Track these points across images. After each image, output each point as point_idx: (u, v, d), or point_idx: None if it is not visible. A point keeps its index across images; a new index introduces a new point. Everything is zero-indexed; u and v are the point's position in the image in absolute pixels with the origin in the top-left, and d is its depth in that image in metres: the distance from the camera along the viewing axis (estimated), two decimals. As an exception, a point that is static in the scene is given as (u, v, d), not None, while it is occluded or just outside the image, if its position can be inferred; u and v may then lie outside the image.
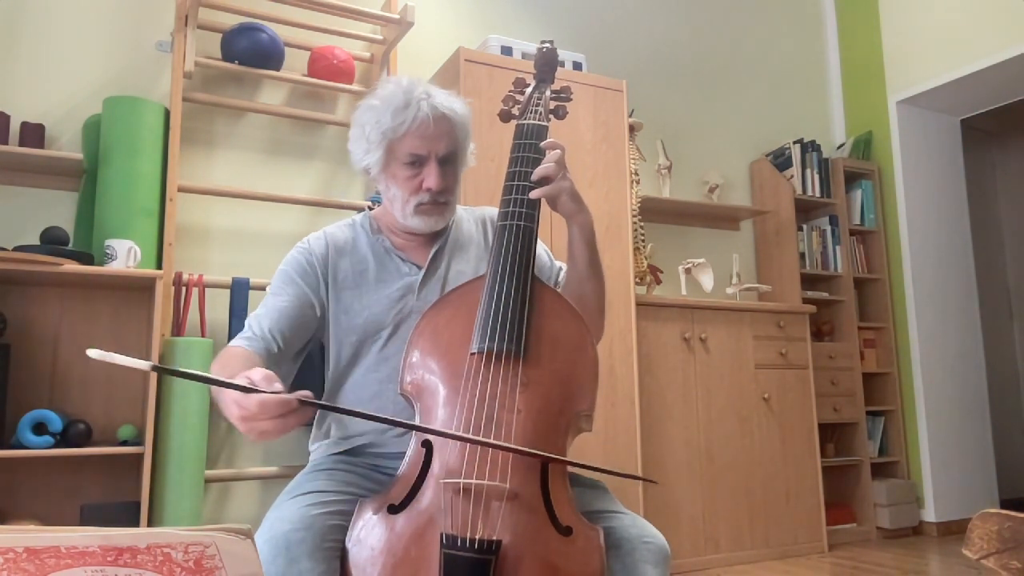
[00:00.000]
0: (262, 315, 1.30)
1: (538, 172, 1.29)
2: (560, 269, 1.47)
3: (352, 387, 1.32)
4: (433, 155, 1.31)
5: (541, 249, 1.43)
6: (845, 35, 4.44)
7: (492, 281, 1.19)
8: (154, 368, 0.86)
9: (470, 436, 1.04)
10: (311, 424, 1.43)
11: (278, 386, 0.97)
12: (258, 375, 0.98)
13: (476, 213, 1.50)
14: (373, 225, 1.42)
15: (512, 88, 1.50)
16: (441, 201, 1.34)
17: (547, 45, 1.52)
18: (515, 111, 1.46)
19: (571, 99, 1.50)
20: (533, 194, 1.28)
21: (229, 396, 0.97)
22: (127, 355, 0.84)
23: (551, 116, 1.46)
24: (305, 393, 0.97)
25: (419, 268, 1.36)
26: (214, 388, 1.05)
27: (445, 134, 1.31)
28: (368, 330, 1.31)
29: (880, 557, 3.29)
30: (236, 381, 0.95)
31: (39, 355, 2.41)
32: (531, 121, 1.39)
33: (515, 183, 1.31)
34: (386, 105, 1.30)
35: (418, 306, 1.32)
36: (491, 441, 1.05)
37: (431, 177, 1.31)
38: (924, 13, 4.00)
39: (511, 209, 1.28)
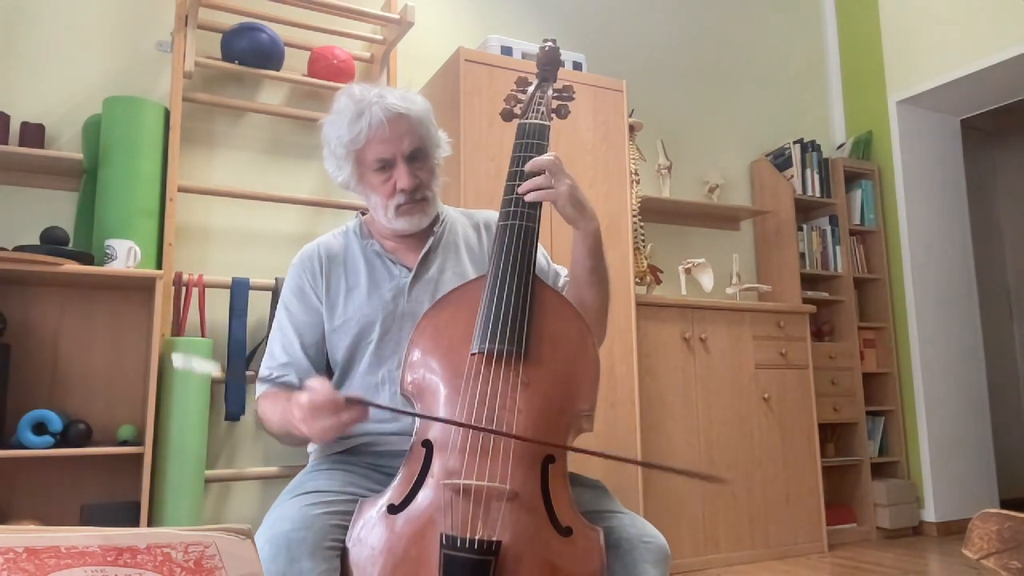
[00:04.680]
0: (280, 349, 1.34)
1: (529, 166, 1.27)
2: (558, 274, 1.46)
3: (351, 391, 1.32)
4: (399, 155, 1.31)
5: (540, 253, 1.42)
6: (845, 35, 4.44)
7: (493, 281, 1.19)
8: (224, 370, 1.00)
9: (503, 431, 1.06)
10: None
11: (324, 387, 1.09)
12: (314, 382, 1.10)
13: (474, 217, 1.50)
14: (364, 230, 1.43)
15: (514, 87, 1.50)
16: (419, 198, 1.34)
17: (549, 44, 1.51)
18: (517, 110, 1.45)
19: (573, 98, 1.49)
20: (527, 197, 1.26)
21: (293, 404, 1.10)
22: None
23: (553, 115, 1.45)
24: (353, 395, 1.10)
25: (409, 270, 1.37)
26: (282, 411, 1.20)
27: (406, 132, 1.31)
28: (360, 334, 1.32)
29: (880, 557, 3.29)
30: (284, 380, 1.24)
31: (39, 355, 2.41)
32: (533, 120, 1.39)
33: (517, 183, 1.30)
34: (341, 118, 1.31)
35: (409, 308, 1.33)
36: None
37: (402, 177, 1.31)
38: (924, 13, 4.00)
39: (512, 209, 1.27)
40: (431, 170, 1.37)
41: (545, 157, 1.28)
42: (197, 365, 0.97)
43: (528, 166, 1.27)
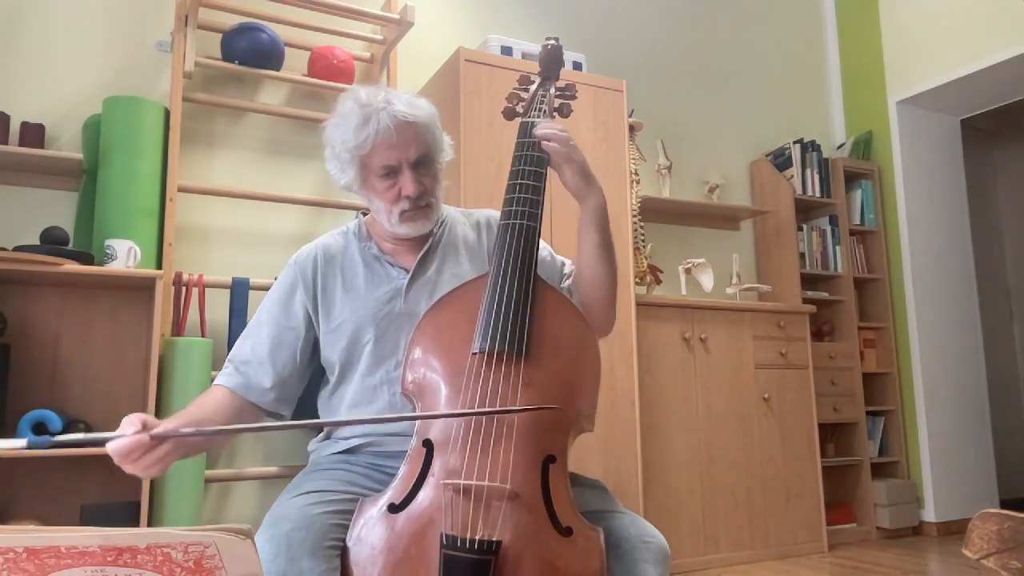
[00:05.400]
0: (247, 350, 1.34)
1: (542, 130, 1.30)
2: (564, 264, 1.46)
3: (349, 393, 1.33)
4: (405, 162, 1.30)
5: (543, 249, 1.42)
6: (845, 35, 4.44)
7: (494, 280, 1.19)
8: (29, 446, 0.95)
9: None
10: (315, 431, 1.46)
11: (131, 429, 1.05)
12: (124, 424, 1.06)
13: (474, 216, 1.50)
14: (363, 232, 1.43)
15: (516, 85, 1.49)
16: (423, 204, 1.33)
17: (552, 42, 1.51)
18: (519, 108, 1.45)
19: (576, 97, 1.49)
20: (540, 133, 1.29)
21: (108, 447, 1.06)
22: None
23: (555, 114, 1.45)
24: (158, 431, 1.06)
25: (407, 272, 1.36)
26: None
27: (412, 139, 1.30)
28: (356, 336, 1.32)
29: (880, 557, 3.29)
30: (90, 437, 1.08)
31: (39, 355, 2.40)
32: (536, 118, 1.39)
33: (518, 181, 1.30)
34: (347, 123, 1.29)
35: (406, 309, 1.32)
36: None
37: (408, 185, 1.30)
38: (924, 13, 4.00)
39: (514, 208, 1.27)
40: (435, 176, 1.36)
41: (558, 131, 1.30)
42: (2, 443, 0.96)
43: (540, 130, 1.31)
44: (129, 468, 1.06)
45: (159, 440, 1.06)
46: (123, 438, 1.04)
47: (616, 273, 1.36)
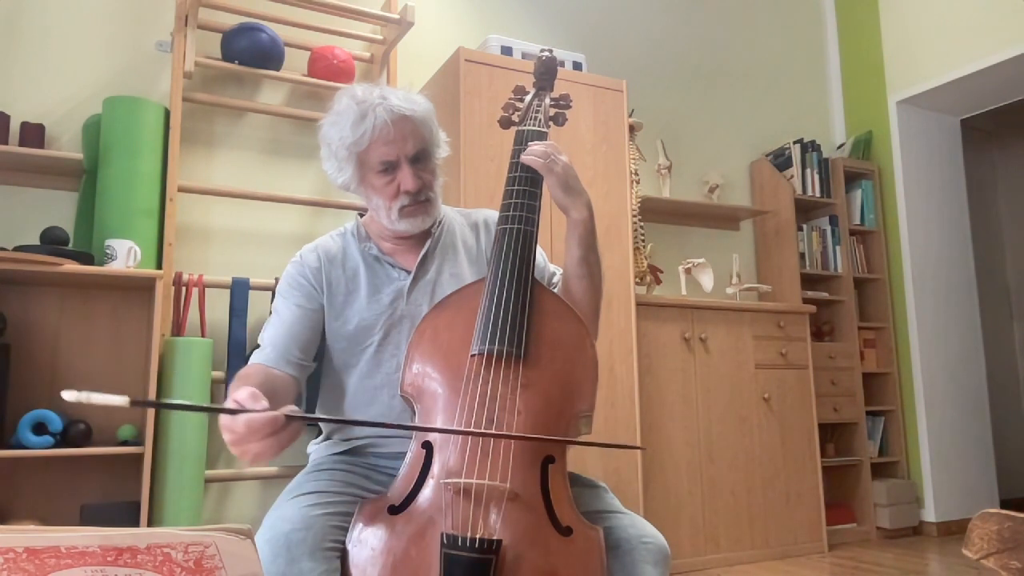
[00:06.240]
0: (271, 333, 1.31)
1: (526, 154, 1.31)
2: (554, 274, 1.46)
3: (348, 394, 1.32)
4: (403, 157, 1.30)
5: (539, 254, 1.42)
6: (845, 35, 4.44)
7: (492, 283, 1.20)
8: (133, 403, 0.81)
9: (471, 430, 1.05)
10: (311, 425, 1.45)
11: (264, 403, 0.95)
12: (244, 394, 0.96)
13: (472, 216, 1.50)
14: (362, 232, 1.42)
15: (512, 95, 1.51)
16: (422, 199, 1.33)
17: (546, 53, 1.52)
18: (515, 118, 1.47)
19: (571, 106, 1.50)
20: (523, 159, 1.30)
21: (221, 421, 0.96)
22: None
23: (551, 123, 1.46)
24: (291, 408, 0.97)
25: (408, 273, 1.36)
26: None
27: (410, 134, 1.29)
28: (357, 336, 1.31)
29: (880, 557, 3.29)
30: (221, 405, 0.95)
31: (39, 355, 2.41)
32: (531, 127, 1.40)
33: (515, 187, 1.30)
34: (344, 120, 1.28)
35: (408, 311, 1.32)
36: (492, 431, 1.06)
37: (406, 179, 1.30)
38: (924, 13, 4.00)
39: (511, 213, 1.27)
40: (433, 171, 1.36)
41: (541, 143, 1.31)
42: (96, 399, 0.80)
43: (527, 151, 1.31)
44: (244, 447, 0.95)
45: (289, 421, 0.95)
46: (258, 413, 0.93)
47: (598, 290, 1.35)
